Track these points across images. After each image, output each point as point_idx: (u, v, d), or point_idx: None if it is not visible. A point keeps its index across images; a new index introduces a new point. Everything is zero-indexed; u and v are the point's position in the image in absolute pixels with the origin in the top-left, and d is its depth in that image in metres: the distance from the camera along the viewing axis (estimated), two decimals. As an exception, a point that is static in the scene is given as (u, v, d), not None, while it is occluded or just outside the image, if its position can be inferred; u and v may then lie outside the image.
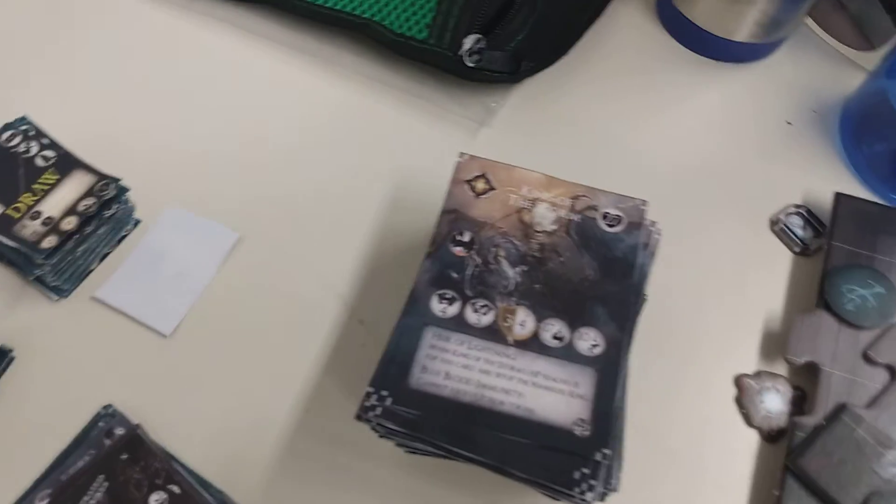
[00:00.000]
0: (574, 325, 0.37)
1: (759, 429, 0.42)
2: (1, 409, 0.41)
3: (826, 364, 0.41)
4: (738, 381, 0.43)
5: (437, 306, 0.37)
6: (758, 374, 0.43)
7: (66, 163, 0.45)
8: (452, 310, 0.37)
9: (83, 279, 0.45)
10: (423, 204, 0.48)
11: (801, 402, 0.42)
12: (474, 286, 0.38)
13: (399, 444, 0.37)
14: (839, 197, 0.47)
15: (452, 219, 0.40)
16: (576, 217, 0.40)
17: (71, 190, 0.44)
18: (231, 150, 0.50)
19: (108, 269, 0.45)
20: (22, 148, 0.45)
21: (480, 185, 0.41)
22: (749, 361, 0.44)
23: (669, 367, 0.44)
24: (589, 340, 0.36)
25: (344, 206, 0.48)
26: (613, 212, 0.40)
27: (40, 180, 0.44)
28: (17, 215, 0.43)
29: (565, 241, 0.39)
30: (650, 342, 0.43)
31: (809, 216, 0.48)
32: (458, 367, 0.35)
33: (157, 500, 0.37)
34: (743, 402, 0.42)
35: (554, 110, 0.53)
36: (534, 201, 0.40)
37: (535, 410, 0.34)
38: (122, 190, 0.45)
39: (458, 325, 0.37)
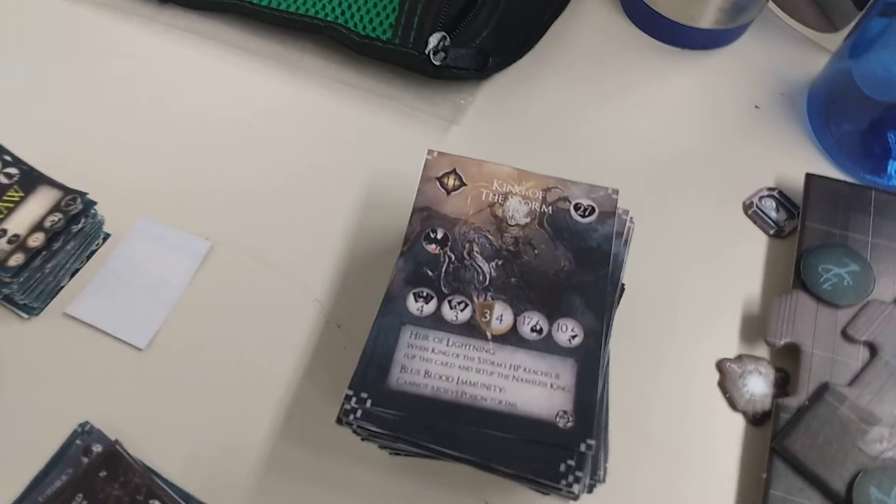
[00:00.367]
0: (552, 316, 0.36)
1: (744, 412, 0.42)
2: (-26, 432, 0.40)
3: (806, 344, 0.42)
4: (721, 366, 0.43)
5: (413, 305, 0.37)
6: (739, 358, 0.43)
7: (30, 179, 0.44)
8: (429, 308, 0.37)
9: (54, 296, 0.44)
10: (397, 204, 0.48)
11: (783, 383, 0.42)
12: (450, 283, 0.37)
13: (383, 447, 0.36)
14: (810, 178, 0.47)
15: (424, 216, 0.39)
16: (548, 209, 0.39)
17: (36, 206, 0.43)
18: (199, 159, 0.50)
19: (79, 284, 0.44)
20: (-17, 167, 0.44)
21: (451, 181, 0.40)
22: (730, 345, 0.44)
23: (651, 355, 0.43)
24: (567, 332, 0.36)
25: (317, 211, 0.48)
26: (585, 202, 0.40)
27: (4, 198, 0.43)
28: (-18, 235, 0.42)
29: (539, 234, 0.39)
30: (630, 331, 0.43)
31: (782, 198, 0.49)
32: (437, 364, 0.35)
33: (138, 517, 0.37)
34: (726, 387, 0.42)
35: (524, 105, 0.53)
36: (505, 195, 0.40)
37: (517, 405, 0.34)
38: (90, 204, 0.44)
39: (436, 322, 0.36)
